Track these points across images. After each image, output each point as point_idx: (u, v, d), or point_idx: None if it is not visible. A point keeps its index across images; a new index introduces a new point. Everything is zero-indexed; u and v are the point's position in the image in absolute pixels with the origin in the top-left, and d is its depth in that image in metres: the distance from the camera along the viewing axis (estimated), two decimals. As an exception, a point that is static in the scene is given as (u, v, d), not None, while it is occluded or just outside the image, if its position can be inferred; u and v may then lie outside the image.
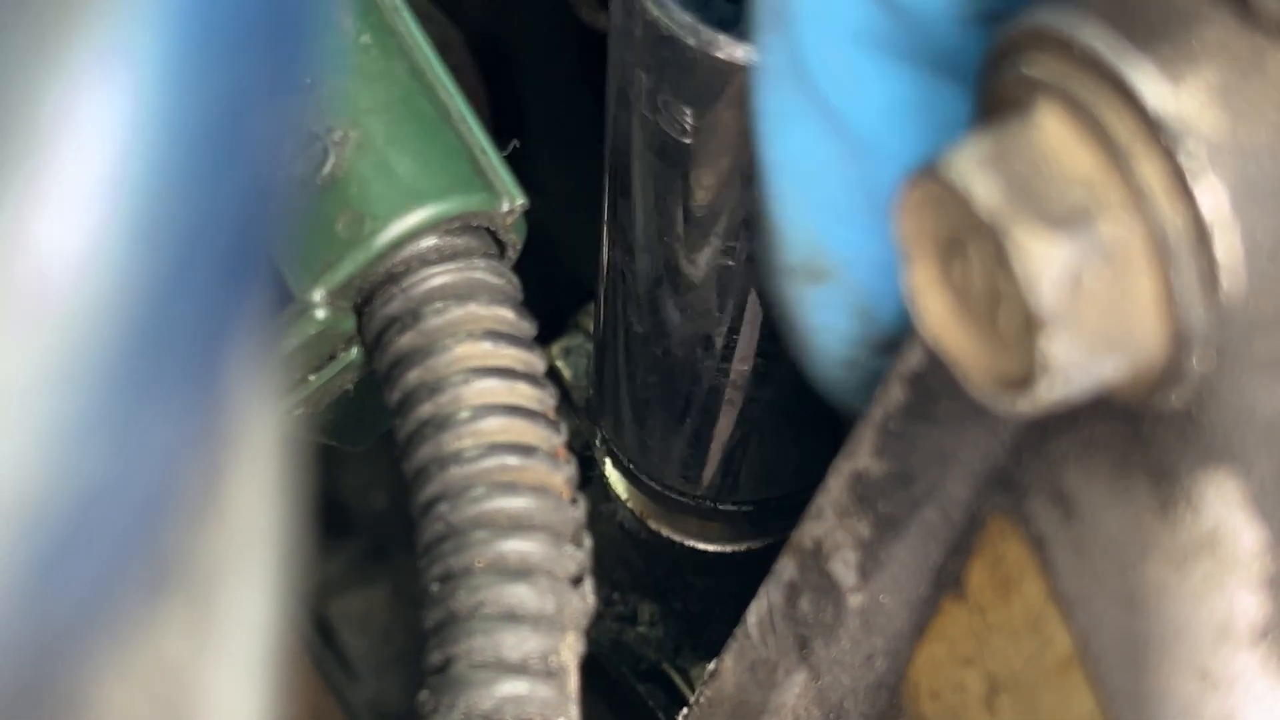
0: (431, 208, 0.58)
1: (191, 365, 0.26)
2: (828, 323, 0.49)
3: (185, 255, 0.25)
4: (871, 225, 0.47)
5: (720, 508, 0.70)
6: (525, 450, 0.55)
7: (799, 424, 0.68)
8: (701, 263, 0.61)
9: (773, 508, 0.70)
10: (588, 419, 0.76)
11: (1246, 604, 0.43)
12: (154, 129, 0.25)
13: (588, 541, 0.56)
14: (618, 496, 0.74)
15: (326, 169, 0.58)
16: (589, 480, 0.75)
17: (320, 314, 0.58)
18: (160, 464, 0.26)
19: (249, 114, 0.26)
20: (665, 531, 0.74)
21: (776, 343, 0.64)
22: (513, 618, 0.53)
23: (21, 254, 0.24)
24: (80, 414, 0.25)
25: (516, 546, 0.54)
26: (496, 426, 0.56)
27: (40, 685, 0.26)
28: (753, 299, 0.62)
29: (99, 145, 0.25)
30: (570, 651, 0.54)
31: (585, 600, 0.55)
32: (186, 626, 0.29)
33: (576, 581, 0.55)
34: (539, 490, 0.55)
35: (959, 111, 0.45)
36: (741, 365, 0.64)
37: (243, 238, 0.27)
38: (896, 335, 0.49)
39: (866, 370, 0.50)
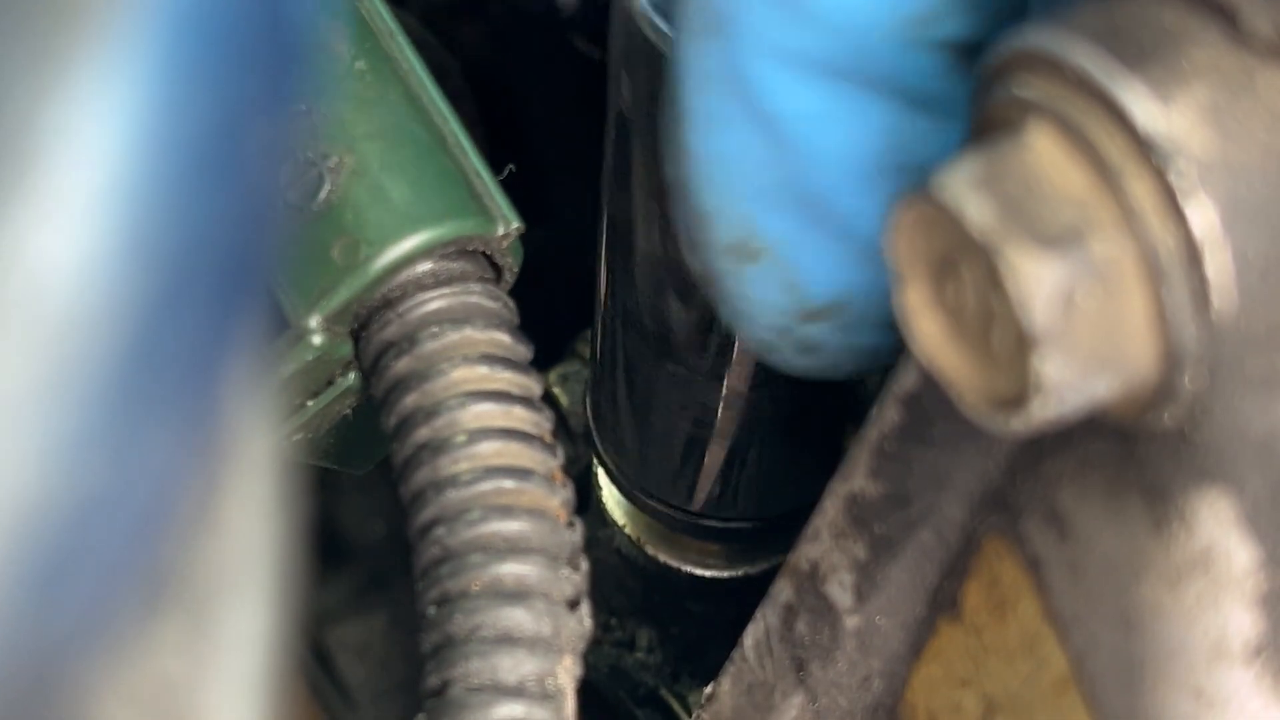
0: (427, 233, 0.58)
1: (188, 380, 0.26)
2: (760, 296, 0.52)
3: (181, 270, 0.26)
4: (802, 213, 0.50)
5: (718, 526, 0.70)
6: (522, 473, 0.55)
7: (797, 440, 0.68)
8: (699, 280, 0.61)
9: (771, 527, 0.70)
10: (585, 444, 0.76)
11: (1240, 622, 0.43)
12: (150, 145, 0.25)
13: (584, 565, 0.56)
14: (615, 522, 0.74)
15: (322, 195, 0.58)
16: (586, 506, 0.75)
17: (317, 340, 0.58)
18: (157, 479, 0.26)
19: (244, 130, 0.27)
20: (663, 557, 0.74)
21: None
22: (509, 640, 0.53)
23: (19, 268, 0.24)
24: (77, 428, 0.25)
25: (513, 569, 0.54)
26: (493, 450, 0.56)
27: (37, 701, 0.26)
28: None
29: (96, 161, 0.25)
30: (567, 674, 0.54)
31: (582, 623, 0.55)
32: (183, 643, 0.29)
33: (573, 605, 0.55)
34: (535, 513, 0.55)
35: (892, 121, 0.48)
36: (739, 383, 0.64)
37: (238, 253, 0.27)
38: (822, 307, 0.51)
39: (797, 336, 0.53)
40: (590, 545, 0.66)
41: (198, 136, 0.26)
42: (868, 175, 0.48)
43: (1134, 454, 0.43)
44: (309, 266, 0.58)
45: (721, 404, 0.65)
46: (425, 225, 0.58)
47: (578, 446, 0.78)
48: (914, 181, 0.49)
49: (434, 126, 0.60)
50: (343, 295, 0.58)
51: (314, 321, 0.58)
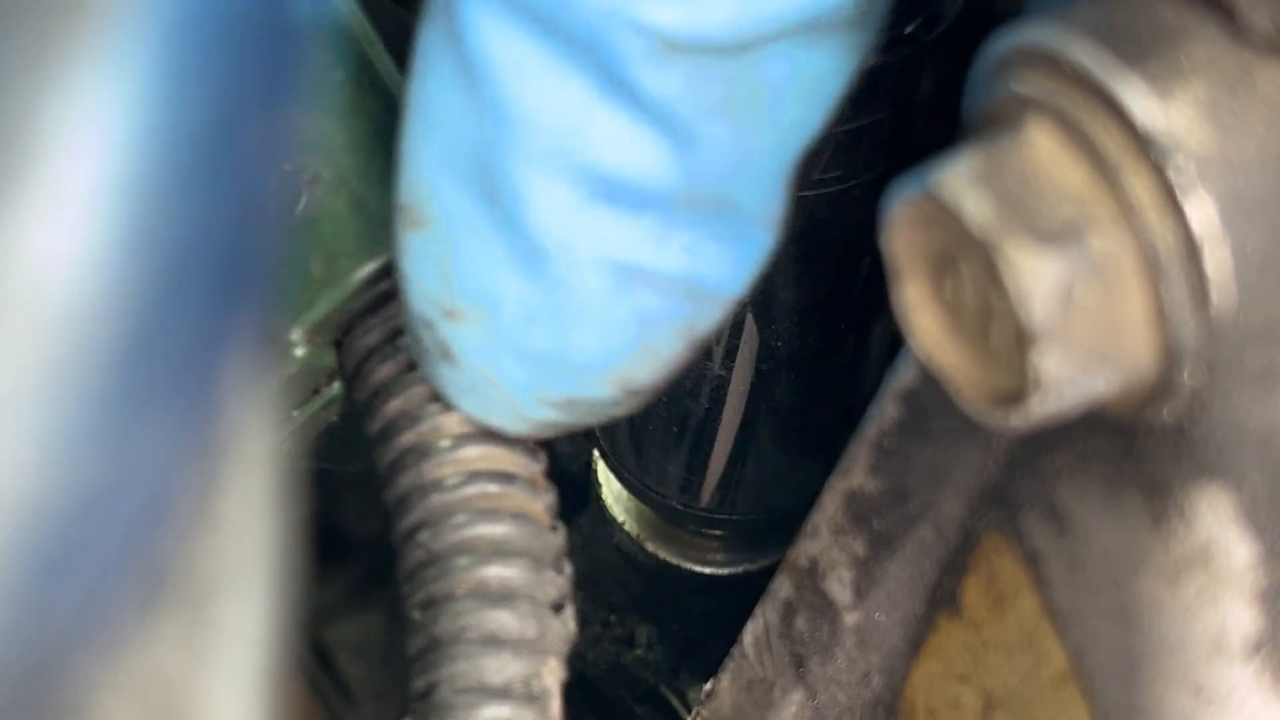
0: None
1: (186, 375, 0.26)
2: (415, 273, 0.50)
3: (179, 265, 0.26)
4: (472, 183, 0.47)
5: (719, 518, 0.70)
6: (505, 478, 0.56)
7: (797, 435, 0.68)
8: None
9: (770, 521, 0.70)
10: (586, 440, 0.76)
11: (1240, 618, 0.43)
12: (148, 141, 0.25)
13: (568, 568, 0.56)
14: (615, 519, 0.74)
15: (300, 208, 0.58)
16: (586, 503, 0.75)
17: (299, 352, 0.58)
18: (155, 474, 0.26)
19: (242, 127, 0.27)
20: (663, 554, 0.74)
21: (774, 356, 0.64)
22: (495, 643, 0.54)
23: (17, 263, 0.24)
24: (75, 423, 0.25)
25: (497, 572, 0.54)
26: (476, 454, 0.56)
27: (36, 696, 0.26)
28: (750, 312, 0.62)
29: (94, 155, 0.25)
30: (552, 676, 0.54)
31: (567, 626, 0.55)
32: (182, 639, 0.29)
33: (558, 607, 0.55)
34: (519, 517, 0.55)
35: (585, 100, 0.45)
36: (740, 379, 0.64)
37: (236, 249, 0.27)
38: (465, 304, 0.49)
39: (438, 336, 0.51)
40: (590, 542, 0.66)
41: (196, 133, 0.26)
42: (546, 155, 0.46)
43: (1133, 449, 0.43)
44: (289, 279, 0.57)
45: (722, 396, 0.65)
46: None
47: (576, 443, 0.78)
48: (590, 186, 0.46)
49: None
50: (323, 308, 0.58)
51: (296, 334, 0.58)
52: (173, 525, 0.27)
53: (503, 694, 0.53)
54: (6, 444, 0.25)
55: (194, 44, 0.26)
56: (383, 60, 0.61)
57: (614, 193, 0.46)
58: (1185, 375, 0.41)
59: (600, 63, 0.44)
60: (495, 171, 0.47)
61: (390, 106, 0.60)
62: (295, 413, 0.60)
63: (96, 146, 0.25)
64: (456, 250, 0.49)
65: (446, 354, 0.51)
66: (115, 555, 0.26)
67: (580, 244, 0.47)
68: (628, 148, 0.45)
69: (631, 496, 0.73)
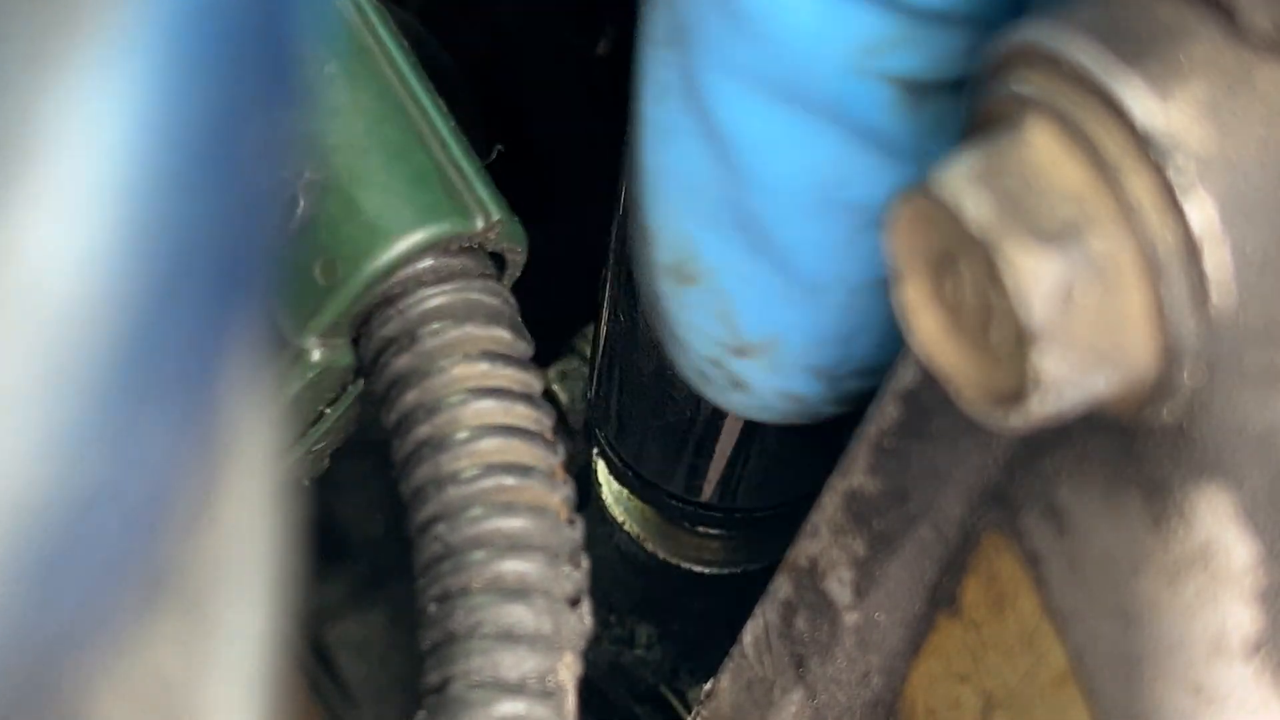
0: (402, 242, 0.58)
1: (186, 374, 0.26)
2: (693, 321, 0.52)
3: (179, 265, 0.26)
4: (740, 239, 0.49)
5: (719, 515, 0.70)
6: (523, 470, 0.55)
7: (800, 429, 0.68)
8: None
9: (769, 519, 0.70)
10: (584, 441, 0.76)
11: (1239, 618, 0.43)
12: (148, 139, 0.25)
13: (585, 562, 0.56)
14: (615, 519, 0.74)
15: (297, 214, 0.58)
16: (586, 503, 0.75)
17: (315, 356, 0.58)
18: (154, 473, 0.26)
19: (242, 126, 0.27)
20: (663, 554, 0.74)
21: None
22: (510, 638, 0.53)
23: (17, 262, 0.24)
24: (74, 422, 0.25)
25: (514, 567, 0.54)
26: (494, 447, 0.56)
27: (35, 696, 0.26)
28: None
29: (94, 155, 0.25)
30: (568, 672, 0.54)
31: (583, 621, 0.55)
32: (181, 639, 0.29)
33: (574, 602, 0.55)
34: (536, 510, 0.55)
35: (838, 152, 0.47)
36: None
37: (236, 249, 0.27)
38: (752, 342, 0.51)
39: (728, 370, 0.52)
40: (590, 542, 0.66)
41: (196, 132, 0.26)
42: (810, 207, 0.48)
43: (1133, 449, 0.43)
44: (296, 286, 0.58)
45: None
46: (397, 235, 0.58)
47: (576, 444, 0.78)
48: (856, 219, 0.48)
49: (409, 123, 0.59)
50: (329, 314, 0.58)
51: (309, 340, 0.58)
52: (172, 525, 0.27)
53: (518, 689, 0.53)
54: (6, 444, 0.25)
55: (195, 43, 0.26)
56: (380, 42, 0.61)
57: (877, 219, 0.47)
58: (1185, 375, 0.41)
59: (849, 120, 0.46)
60: (762, 225, 0.48)
61: (382, 95, 0.60)
62: (327, 410, 0.60)
63: (97, 144, 0.25)
64: (736, 297, 0.50)
65: (738, 384, 0.53)
66: (114, 555, 0.26)
67: (854, 271, 0.49)
68: (885, 183, 0.47)
69: (631, 496, 0.73)
